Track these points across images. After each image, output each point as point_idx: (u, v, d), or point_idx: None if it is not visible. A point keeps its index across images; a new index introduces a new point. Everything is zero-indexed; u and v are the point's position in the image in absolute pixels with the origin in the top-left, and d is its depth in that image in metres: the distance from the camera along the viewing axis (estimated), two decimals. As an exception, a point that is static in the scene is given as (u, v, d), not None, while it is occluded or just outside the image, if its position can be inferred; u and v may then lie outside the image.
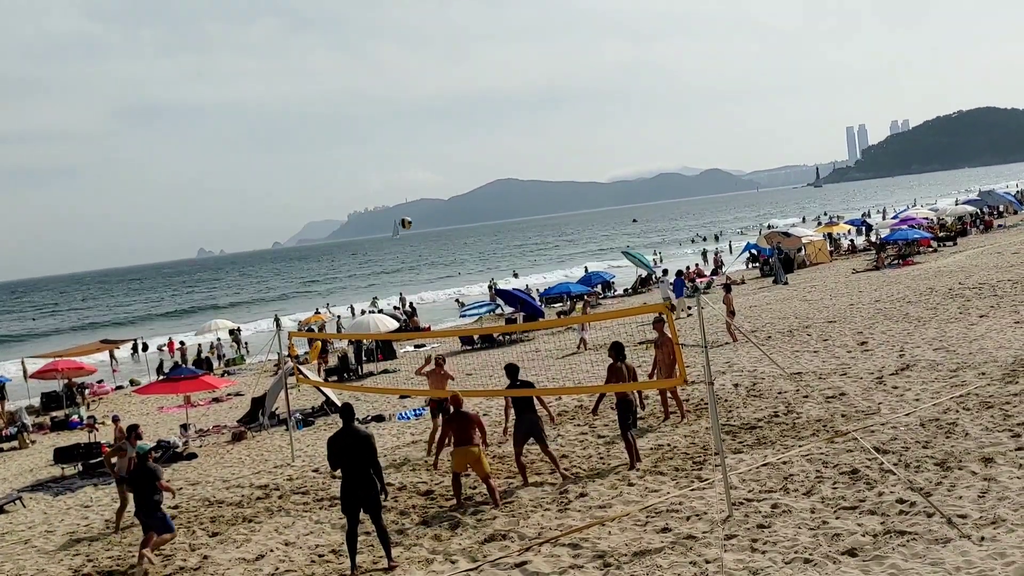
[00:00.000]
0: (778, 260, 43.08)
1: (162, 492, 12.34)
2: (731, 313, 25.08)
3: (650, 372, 16.82)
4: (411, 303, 57.27)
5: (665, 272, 44.48)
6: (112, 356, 42.77)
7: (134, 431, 14.05)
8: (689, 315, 32.08)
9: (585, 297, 43.82)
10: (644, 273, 53.22)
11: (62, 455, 20.31)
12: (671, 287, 35.96)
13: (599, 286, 49.31)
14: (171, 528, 12.29)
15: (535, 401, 13.51)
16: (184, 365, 37.54)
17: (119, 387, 37.10)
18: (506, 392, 13.98)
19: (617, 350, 13.82)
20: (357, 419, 11.83)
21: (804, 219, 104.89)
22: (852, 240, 58.86)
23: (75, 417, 28.28)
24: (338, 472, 11.01)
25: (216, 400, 29.35)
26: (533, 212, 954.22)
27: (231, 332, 46.52)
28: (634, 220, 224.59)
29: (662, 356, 16.23)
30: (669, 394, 16.12)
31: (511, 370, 13.55)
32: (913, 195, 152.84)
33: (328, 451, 10.80)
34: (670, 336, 14.25)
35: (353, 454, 10.53)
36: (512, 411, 13.81)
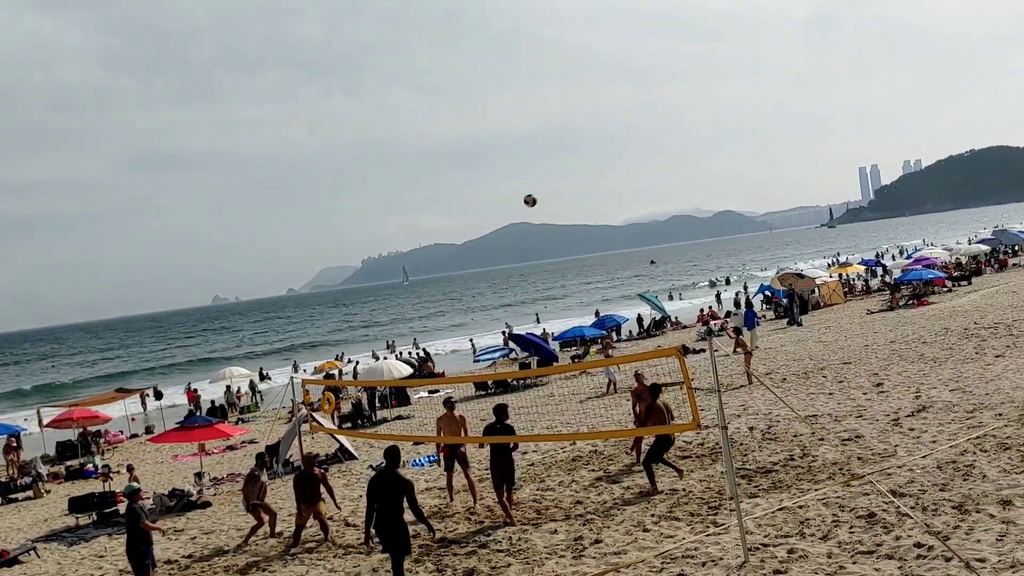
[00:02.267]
0: (792, 301, 42.97)
1: (150, 534, 12.54)
2: (748, 354, 24.99)
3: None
4: (424, 348, 57.28)
5: (740, 304, 44.00)
6: (143, 403, 43.52)
7: (132, 471, 14.34)
8: (757, 348, 32.19)
9: (603, 341, 43.77)
10: (659, 316, 53.19)
11: (77, 505, 20.31)
12: (744, 319, 35.76)
13: (612, 329, 49.24)
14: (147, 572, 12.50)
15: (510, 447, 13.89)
16: (198, 413, 37.58)
17: (134, 435, 37.14)
18: (482, 439, 14.72)
19: (654, 390, 14.64)
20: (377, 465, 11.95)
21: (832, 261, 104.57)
22: (866, 280, 58.68)
23: (90, 466, 28.32)
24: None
25: (230, 448, 29.33)
26: (546, 256, 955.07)
27: (253, 382, 46.78)
28: (652, 262, 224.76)
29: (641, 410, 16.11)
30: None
31: (498, 411, 13.98)
32: (926, 234, 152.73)
33: (367, 490, 11.02)
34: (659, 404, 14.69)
35: (386, 498, 10.73)
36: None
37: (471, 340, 64.30)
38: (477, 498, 15.19)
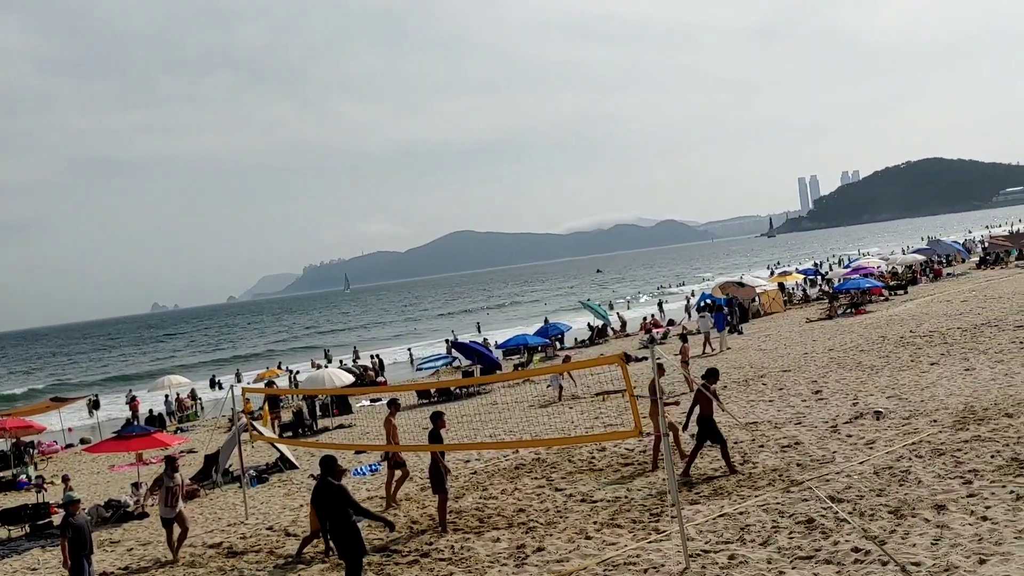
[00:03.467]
0: (733, 310, 43.41)
1: (90, 543, 12.34)
2: (685, 363, 25.20)
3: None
4: (375, 355, 56.90)
5: (705, 306, 44.25)
6: (90, 411, 42.62)
7: (67, 481, 14.03)
8: (728, 349, 33.32)
9: (558, 350, 43.96)
10: (600, 324, 53.45)
11: (8, 517, 19.78)
12: (711, 322, 36.04)
13: (556, 338, 49.32)
14: None
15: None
16: (136, 422, 36.92)
17: (69, 445, 36.38)
18: (425, 448, 14.66)
19: (711, 374, 15.49)
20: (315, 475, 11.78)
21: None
22: (804, 289, 59.52)
23: (23, 477, 27.65)
24: None
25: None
26: (490, 264, 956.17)
27: (195, 391, 46.13)
28: (599, 271, 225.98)
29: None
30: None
31: (435, 417, 14.06)
32: (862, 244, 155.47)
33: (311, 502, 11.15)
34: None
35: (329, 507, 10.69)
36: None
37: (409, 349, 64.05)
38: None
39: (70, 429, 40.23)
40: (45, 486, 23.31)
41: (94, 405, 46.68)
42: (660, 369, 16.05)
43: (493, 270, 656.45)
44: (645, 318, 53.61)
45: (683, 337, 30.77)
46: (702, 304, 48.64)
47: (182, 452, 29.25)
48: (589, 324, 54.26)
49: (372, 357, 55.56)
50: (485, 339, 56.69)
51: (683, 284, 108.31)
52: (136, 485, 22.43)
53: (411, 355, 60.07)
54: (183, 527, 14.96)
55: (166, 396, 43.56)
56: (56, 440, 36.68)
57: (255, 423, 22.45)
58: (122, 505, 19.74)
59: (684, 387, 24.26)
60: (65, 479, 20.78)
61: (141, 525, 18.65)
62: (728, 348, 33.69)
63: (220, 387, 52.62)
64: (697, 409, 14.70)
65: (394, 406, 16.52)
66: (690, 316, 56.66)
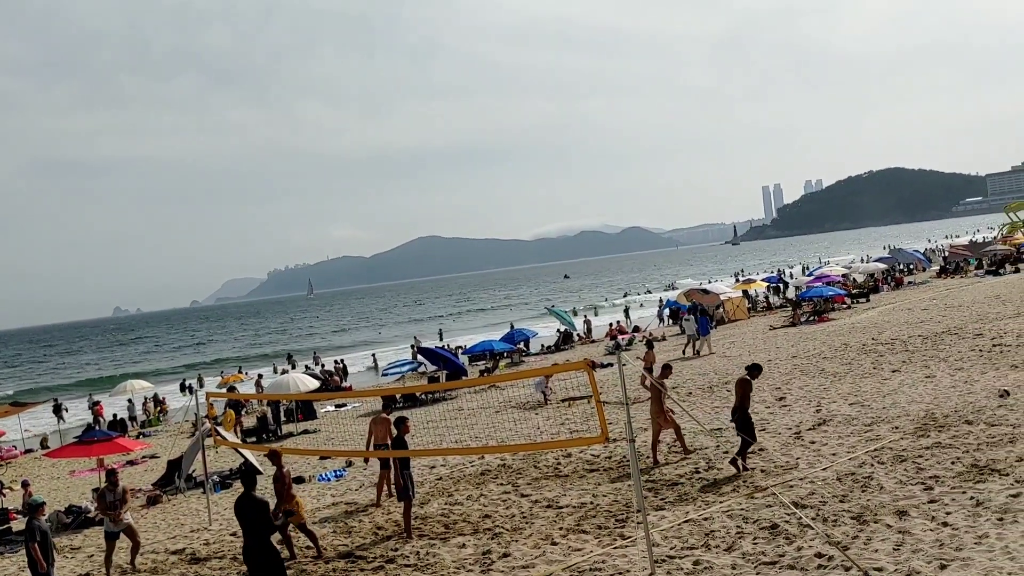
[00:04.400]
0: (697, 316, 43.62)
1: (52, 550, 12.04)
2: (648, 369, 25.27)
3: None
4: (339, 360, 56.60)
5: (691, 309, 44.39)
6: (59, 416, 42.27)
7: (27, 487, 13.74)
8: (713, 352, 33.72)
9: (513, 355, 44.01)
10: (564, 329, 53.53)
11: (-34, 523, 19.51)
12: (696, 325, 36.15)
13: (522, 343, 49.35)
14: None
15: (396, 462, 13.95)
16: (98, 427, 36.54)
17: (29, 450, 35.92)
18: (389, 453, 14.75)
19: (753, 368, 15.31)
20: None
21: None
22: (767, 297, 59.95)
23: (-19, 483, 27.23)
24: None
25: (131, 463, 28.55)
26: (457, 269, 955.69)
27: (158, 395, 45.69)
28: (566, 276, 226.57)
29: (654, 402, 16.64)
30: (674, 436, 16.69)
31: (399, 423, 14.03)
32: (824, 253, 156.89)
33: (235, 514, 10.55)
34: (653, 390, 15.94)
35: (248, 522, 10.24)
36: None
37: (373, 355, 63.84)
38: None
39: (28, 431, 39.77)
40: (4, 492, 23.01)
41: (56, 410, 46.11)
42: (667, 370, 16.56)
43: (460, 275, 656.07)
44: (611, 324, 53.71)
45: (648, 344, 30.89)
46: (683, 308, 48.78)
47: (144, 457, 29.00)
48: (559, 329, 54.26)
49: (336, 362, 55.29)
50: (448, 344, 56.60)
51: (649, 292, 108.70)
52: (97, 490, 22.17)
53: (375, 359, 59.96)
54: (134, 540, 14.45)
55: (129, 401, 43.11)
56: (15, 444, 36.22)
57: (219, 428, 22.27)
58: (83, 511, 19.53)
59: (648, 393, 24.30)
60: (25, 484, 20.48)
61: (102, 531, 18.41)
62: (712, 352, 34.00)
63: (191, 391, 52.17)
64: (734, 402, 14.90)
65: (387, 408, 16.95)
66: (661, 322, 56.92)
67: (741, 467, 14.43)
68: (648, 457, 16.30)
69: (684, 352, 34.88)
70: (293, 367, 58.37)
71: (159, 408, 44.03)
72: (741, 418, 14.61)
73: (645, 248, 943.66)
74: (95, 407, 44.57)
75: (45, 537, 12.02)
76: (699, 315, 36.67)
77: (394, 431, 14.20)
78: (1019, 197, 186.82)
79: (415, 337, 71.37)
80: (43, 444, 36.59)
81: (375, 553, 13.04)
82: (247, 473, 10.78)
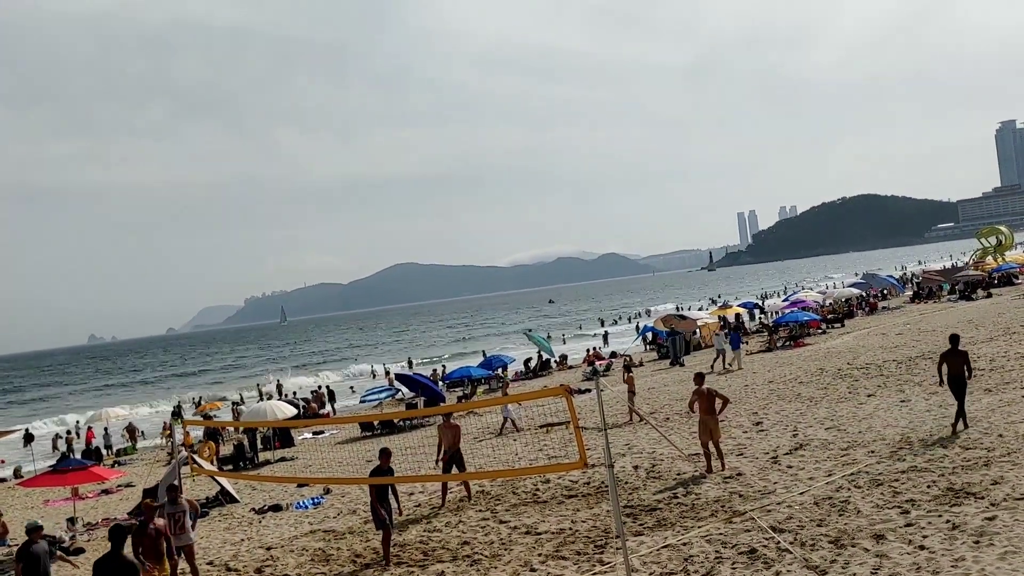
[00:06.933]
0: (674, 342, 43.85)
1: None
2: (632, 392, 25.36)
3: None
4: (327, 387, 56.20)
5: (725, 325, 44.41)
6: (55, 444, 42.06)
7: None
8: (741, 368, 34.43)
9: (503, 379, 44.04)
10: (544, 356, 53.50)
11: (-63, 554, 19.25)
12: (727, 341, 36.32)
13: (500, 369, 49.29)
14: None
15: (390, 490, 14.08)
16: (71, 455, 36.17)
17: (2, 480, 35.47)
18: (367, 480, 14.69)
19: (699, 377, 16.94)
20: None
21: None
22: (742, 322, 60.18)
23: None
24: None
25: (106, 492, 28.25)
26: (433, 296, 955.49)
27: (133, 424, 45.31)
28: (551, 301, 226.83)
29: (701, 405, 16.77)
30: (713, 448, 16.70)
31: (384, 453, 14.27)
32: (798, 278, 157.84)
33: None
34: (705, 390, 16.61)
35: None
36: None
37: (352, 388, 63.54)
38: (471, 494, 17.51)
39: (2, 461, 39.32)
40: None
41: (27, 439, 45.58)
42: (700, 379, 17.04)
43: (437, 302, 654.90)
44: (588, 350, 53.81)
45: (627, 367, 30.96)
46: (662, 335, 49.06)
47: (120, 486, 28.71)
48: (539, 354, 54.21)
49: (320, 388, 55.01)
50: (435, 371, 56.46)
51: (630, 319, 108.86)
52: (72, 520, 21.96)
53: (352, 389, 59.69)
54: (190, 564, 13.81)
55: (105, 429, 42.77)
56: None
57: (195, 456, 22.15)
58: (57, 541, 19.29)
59: (626, 418, 24.37)
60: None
61: (78, 561, 18.21)
62: (740, 368, 34.81)
63: (180, 418, 51.71)
64: None
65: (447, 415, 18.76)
66: (646, 347, 56.79)
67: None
68: (703, 464, 16.74)
69: (712, 367, 35.46)
70: (272, 396, 57.97)
71: (134, 435, 43.64)
72: None
73: (622, 274, 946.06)
74: (87, 432, 44.46)
75: (35, 561, 11.48)
76: (731, 331, 37.00)
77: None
78: (990, 222, 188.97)
79: (384, 364, 71.12)
80: (16, 474, 36.15)
81: (354, 581, 12.97)
82: (114, 530, 10.20)
